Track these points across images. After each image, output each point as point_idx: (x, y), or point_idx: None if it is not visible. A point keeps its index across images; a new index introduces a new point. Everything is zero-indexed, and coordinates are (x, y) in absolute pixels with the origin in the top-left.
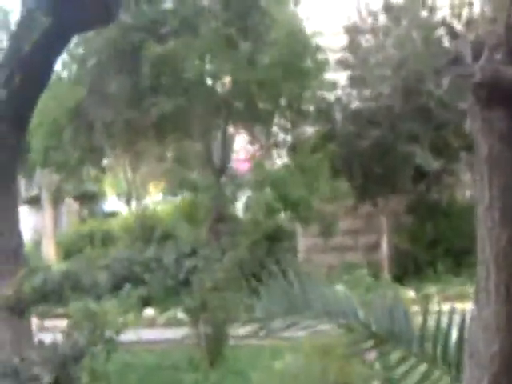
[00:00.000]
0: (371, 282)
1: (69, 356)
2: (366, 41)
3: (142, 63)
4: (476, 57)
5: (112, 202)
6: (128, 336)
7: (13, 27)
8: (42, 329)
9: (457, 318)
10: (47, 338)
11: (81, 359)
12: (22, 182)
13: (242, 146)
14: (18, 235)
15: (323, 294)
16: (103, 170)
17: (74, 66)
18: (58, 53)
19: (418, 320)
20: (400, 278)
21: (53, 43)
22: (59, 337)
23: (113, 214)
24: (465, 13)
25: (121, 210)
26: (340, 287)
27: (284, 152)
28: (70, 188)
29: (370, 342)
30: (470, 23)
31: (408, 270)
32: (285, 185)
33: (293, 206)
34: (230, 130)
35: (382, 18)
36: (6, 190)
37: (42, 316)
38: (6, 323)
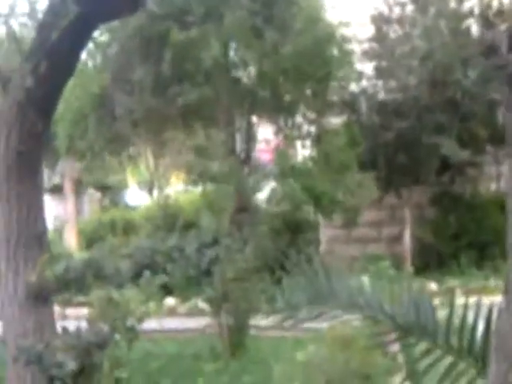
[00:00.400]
0: (393, 273)
1: (93, 343)
2: (393, 31)
3: (167, 51)
4: (511, 47)
5: (134, 193)
6: (149, 325)
7: (40, 16)
8: (64, 317)
9: (483, 311)
10: (69, 326)
11: (105, 346)
12: (44, 171)
13: (265, 137)
14: (43, 222)
15: (348, 284)
16: (127, 159)
17: (99, 54)
18: (84, 41)
19: (441, 313)
20: (422, 271)
21: (80, 32)
22: (82, 324)
23: (134, 208)
24: (495, 3)
25: (143, 202)
26: (364, 278)
27: (308, 143)
28: (93, 177)
29: (395, 334)
30: (500, 14)
31: (430, 262)
32: (310, 176)
33: (317, 199)
34: (254, 119)
35: (410, 8)
36: (32, 178)
37: (64, 304)
38: (30, 310)
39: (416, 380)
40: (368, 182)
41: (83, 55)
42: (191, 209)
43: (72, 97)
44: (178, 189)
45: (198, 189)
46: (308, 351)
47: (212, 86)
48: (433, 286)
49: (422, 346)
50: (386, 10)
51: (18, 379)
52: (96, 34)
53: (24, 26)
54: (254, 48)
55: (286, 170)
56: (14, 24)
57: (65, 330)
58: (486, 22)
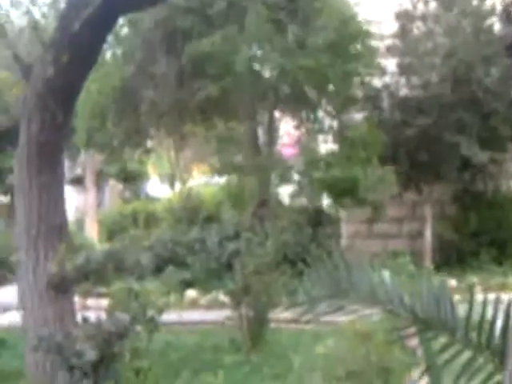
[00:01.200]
0: (413, 269)
1: (113, 333)
2: (417, 28)
3: (190, 50)
4: None
5: (155, 185)
6: (170, 316)
7: (62, 6)
8: (85, 307)
9: (502, 307)
10: (90, 317)
11: (125, 336)
12: (66, 162)
13: (286, 131)
14: (63, 213)
15: (369, 278)
16: (147, 152)
17: (119, 47)
18: (106, 32)
19: (460, 309)
20: (442, 267)
21: (102, 23)
22: (102, 315)
23: (156, 199)
24: None
25: (164, 194)
26: (385, 273)
27: (330, 137)
28: (113, 169)
29: (414, 328)
30: None
31: (450, 259)
32: (338, 168)
33: (348, 190)
34: (276, 114)
35: (433, 5)
36: (52, 169)
37: (85, 294)
38: (50, 300)
39: (435, 374)
40: (389, 177)
41: (104, 47)
42: (212, 202)
43: (91, 89)
44: (199, 181)
45: (220, 182)
46: (327, 344)
47: (234, 82)
48: (453, 282)
49: (442, 340)
50: (410, 7)
51: (36, 368)
52: (117, 26)
53: (46, 16)
54: (277, 44)
55: (312, 162)
56: (36, 14)
57: (85, 319)
58: (508, 18)
